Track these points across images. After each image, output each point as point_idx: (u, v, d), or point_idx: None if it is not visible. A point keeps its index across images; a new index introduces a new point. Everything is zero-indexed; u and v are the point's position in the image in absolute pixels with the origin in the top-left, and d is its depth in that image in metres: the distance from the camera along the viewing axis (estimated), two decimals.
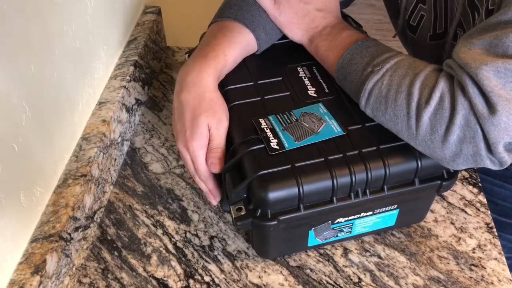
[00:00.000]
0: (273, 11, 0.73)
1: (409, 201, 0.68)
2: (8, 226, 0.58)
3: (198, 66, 0.67)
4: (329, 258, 0.71)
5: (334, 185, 0.61)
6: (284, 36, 0.76)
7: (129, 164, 0.83)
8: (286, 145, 0.63)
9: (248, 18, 0.72)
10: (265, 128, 0.65)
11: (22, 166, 0.60)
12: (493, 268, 0.70)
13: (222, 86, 0.70)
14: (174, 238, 0.73)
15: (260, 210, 0.61)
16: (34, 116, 0.61)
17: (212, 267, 0.70)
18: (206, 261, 0.70)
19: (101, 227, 0.75)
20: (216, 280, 0.68)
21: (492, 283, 0.68)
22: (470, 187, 0.79)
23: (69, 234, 0.65)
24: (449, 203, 0.77)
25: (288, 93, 0.71)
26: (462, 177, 0.80)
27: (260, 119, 0.66)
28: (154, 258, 0.71)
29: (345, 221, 0.67)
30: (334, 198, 0.62)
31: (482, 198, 0.78)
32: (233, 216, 0.61)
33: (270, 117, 0.66)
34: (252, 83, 0.72)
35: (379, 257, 0.71)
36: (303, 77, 0.73)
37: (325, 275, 0.69)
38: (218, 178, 0.68)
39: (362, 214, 0.67)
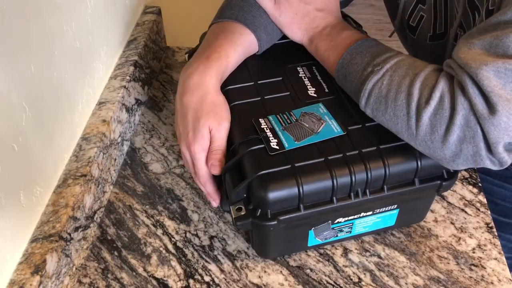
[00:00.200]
0: (273, 11, 0.73)
1: (409, 201, 0.68)
2: (8, 226, 0.58)
3: (201, 68, 0.67)
4: (329, 258, 0.71)
5: (334, 185, 0.61)
6: (284, 36, 0.76)
7: (129, 164, 0.83)
8: (286, 145, 0.63)
9: (249, 19, 0.72)
10: (265, 128, 0.65)
11: (22, 166, 0.60)
12: (493, 268, 0.70)
13: (222, 86, 0.70)
14: (174, 238, 0.73)
15: (260, 210, 0.61)
16: (34, 116, 0.61)
17: (212, 267, 0.70)
18: (206, 261, 0.70)
19: (101, 227, 0.75)
20: (216, 280, 0.68)
21: (492, 283, 0.68)
22: (470, 187, 0.79)
23: (69, 234, 0.65)
24: (449, 203, 0.77)
25: (288, 93, 0.71)
26: (462, 177, 0.80)
27: (260, 119, 0.66)
28: (154, 258, 0.71)
29: (345, 221, 0.67)
30: (334, 198, 0.62)
31: (482, 198, 0.78)
32: (233, 216, 0.62)
33: (270, 117, 0.66)
34: (252, 83, 0.72)
35: (379, 257, 0.71)
36: (303, 77, 0.73)
37: (325, 275, 0.69)
38: (218, 179, 0.68)
39: (362, 214, 0.67)
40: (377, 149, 0.63)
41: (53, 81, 0.66)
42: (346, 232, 0.69)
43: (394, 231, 0.74)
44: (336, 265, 0.70)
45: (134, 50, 0.89)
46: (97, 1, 0.77)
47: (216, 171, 0.64)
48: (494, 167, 0.58)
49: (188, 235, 0.74)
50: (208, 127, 0.65)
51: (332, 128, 0.65)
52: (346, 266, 0.70)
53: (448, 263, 0.70)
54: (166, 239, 0.73)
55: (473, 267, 0.70)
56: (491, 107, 0.52)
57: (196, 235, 0.74)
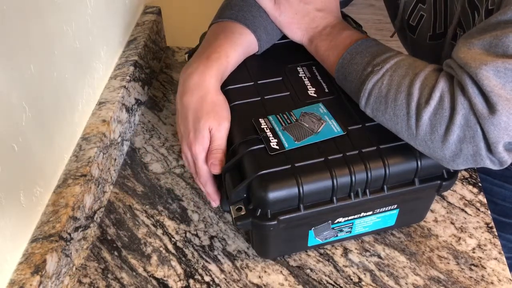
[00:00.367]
0: (273, 11, 0.73)
1: (409, 201, 0.68)
2: (8, 226, 0.58)
3: (201, 68, 0.67)
4: (329, 258, 0.71)
5: (334, 185, 0.61)
6: (284, 36, 0.76)
7: (129, 164, 0.83)
8: (286, 145, 0.63)
9: (249, 18, 0.72)
10: (265, 128, 0.65)
11: (22, 166, 0.60)
12: (493, 268, 0.70)
13: (222, 86, 0.70)
14: (174, 238, 0.73)
15: (260, 210, 0.61)
16: (34, 116, 0.61)
17: (212, 267, 0.70)
18: (206, 261, 0.70)
19: (101, 227, 0.75)
20: (216, 280, 0.68)
21: (492, 283, 0.68)
22: (470, 187, 0.79)
23: (69, 234, 0.65)
24: (449, 203, 0.77)
25: (288, 93, 0.71)
26: (462, 177, 0.80)
27: (260, 119, 0.66)
28: (154, 258, 0.71)
29: (345, 221, 0.67)
30: (334, 198, 0.62)
31: (482, 198, 0.78)
32: (233, 216, 0.62)
33: (270, 117, 0.66)
34: (252, 83, 0.72)
35: (379, 257, 0.71)
36: (303, 77, 0.73)
37: (325, 275, 0.69)
38: (218, 180, 0.68)
39: (362, 214, 0.67)
40: (377, 149, 0.63)
41: (53, 81, 0.66)
42: (346, 232, 0.69)
43: (394, 231, 0.74)
44: (336, 265, 0.70)
45: (134, 50, 0.89)
46: (97, 1, 0.77)
47: (217, 170, 0.65)
48: (494, 167, 0.58)
49: (188, 235, 0.74)
50: (208, 127, 0.65)
51: (332, 128, 0.65)
52: (346, 266, 0.70)
53: (448, 263, 0.70)
54: (166, 239, 0.73)
55: (473, 267, 0.70)
56: (491, 107, 0.52)
57: (196, 235, 0.74)
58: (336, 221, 0.66)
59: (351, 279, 0.68)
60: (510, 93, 0.53)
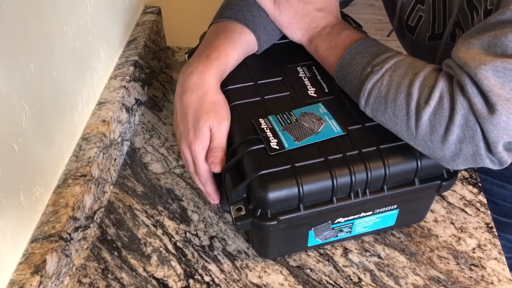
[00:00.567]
0: (273, 11, 0.73)
1: (409, 201, 0.68)
2: (8, 226, 0.58)
3: (201, 68, 0.67)
4: (329, 258, 0.71)
5: (334, 185, 0.61)
6: (284, 36, 0.76)
7: (129, 164, 0.83)
8: (286, 145, 0.63)
9: (248, 18, 0.72)
10: (265, 128, 0.65)
11: (22, 166, 0.60)
12: (493, 268, 0.70)
13: (222, 86, 0.70)
14: (174, 238, 0.73)
15: (260, 210, 0.61)
16: (34, 116, 0.61)
17: (212, 267, 0.70)
18: (206, 261, 0.70)
19: (101, 227, 0.75)
20: (216, 280, 0.68)
21: (492, 283, 0.68)
22: (470, 187, 0.79)
23: (69, 234, 0.65)
24: (449, 203, 0.77)
25: (288, 93, 0.71)
26: (462, 177, 0.80)
27: (260, 119, 0.66)
28: (154, 258, 0.71)
29: (345, 221, 0.67)
30: (334, 198, 0.62)
31: (482, 198, 0.78)
32: (233, 216, 0.62)
33: (270, 117, 0.66)
34: (252, 83, 0.72)
35: (379, 257, 0.71)
36: (303, 77, 0.73)
37: (325, 275, 0.69)
38: (218, 179, 0.68)
39: (362, 214, 0.67)
40: (377, 149, 0.63)
41: (53, 81, 0.66)
42: (346, 232, 0.69)
43: (394, 231, 0.74)
44: (336, 265, 0.70)
45: (134, 50, 0.89)
46: (97, 1, 0.77)
47: (217, 168, 0.64)
48: (494, 167, 0.58)
49: (188, 235, 0.74)
50: (208, 126, 0.65)
51: (332, 128, 0.65)
52: (346, 266, 0.70)
53: (448, 263, 0.70)
54: (166, 239, 0.73)
55: (473, 267, 0.70)
56: (490, 107, 0.52)
57: (196, 235, 0.74)
58: (336, 221, 0.66)
59: (351, 279, 0.68)
60: (510, 92, 0.53)
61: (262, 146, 0.63)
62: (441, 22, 0.77)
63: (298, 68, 0.74)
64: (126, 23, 0.91)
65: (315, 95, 0.70)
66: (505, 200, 0.89)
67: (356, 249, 0.72)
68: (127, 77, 0.84)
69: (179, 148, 0.69)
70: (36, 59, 0.61)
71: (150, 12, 0.99)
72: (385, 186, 0.64)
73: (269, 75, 0.73)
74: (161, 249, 0.72)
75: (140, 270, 0.70)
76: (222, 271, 0.69)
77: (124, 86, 0.83)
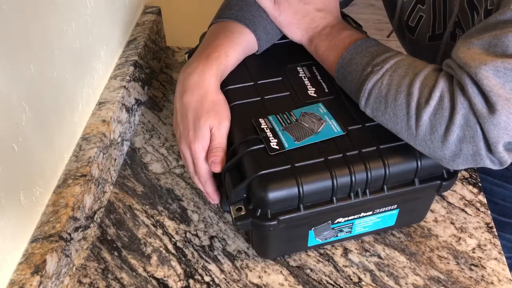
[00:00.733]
0: (273, 11, 0.73)
1: (409, 201, 0.68)
2: (8, 226, 0.58)
3: (201, 67, 0.67)
4: (329, 258, 0.71)
5: (334, 185, 0.61)
6: (284, 36, 0.76)
7: (129, 164, 0.83)
8: (286, 145, 0.63)
9: (248, 18, 0.72)
10: (265, 128, 0.65)
11: (22, 166, 0.60)
12: (493, 268, 0.70)
13: (222, 86, 0.70)
14: (174, 238, 0.73)
15: (260, 210, 0.61)
16: (34, 116, 0.61)
17: (212, 267, 0.70)
18: (206, 261, 0.70)
19: (101, 227, 0.75)
20: (216, 280, 0.68)
21: (492, 283, 0.68)
22: (470, 187, 0.79)
23: (69, 234, 0.65)
24: (449, 203, 0.77)
25: (288, 93, 0.71)
26: (462, 177, 0.80)
27: (260, 119, 0.66)
28: (154, 258, 0.71)
29: (345, 221, 0.67)
30: (334, 198, 0.62)
31: (482, 198, 0.78)
32: (233, 216, 0.62)
33: (270, 117, 0.66)
34: (252, 83, 0.72)
35: (379, 257, 0.71)
36: (303, 77, 0.73)
37: (325, 275, 0.69)
38: (218, 179, 0.68)
39: (362, 214, 0.67)
40: (377, 149, 0.63)
41: (53, 81, 0.66)
42: (346, 232, 0.69)
43: (394, 231, 0.74)
44: (336, 265, 0.70)
45: (134, 50, 0.89)
46: (97, 1, 0.77)
47: (217, 168, 0.64)
48: (494, 167, 0.58)
49: (188, 235, 0.74)
50: (208, 126, 0.65)
51: (332, 128, 0.65)
52: (346, 266, 0.70)
53: (448, 263, 0.70)
54: (166, 239, 0.73)
55: (473, 267, 0.70)
56: (491, 107, 0.52)
57: (196, 235, 0.74)
58: (336, 221, 0.66)
59: (351, 279, 0.68)
60: (510, 92, 0.53)
61: (262, 146, 0.63)
62: (441, 22, 0.77)
63: (298, 68, 0.74)
64: (126, 23, 0.91)
65: (315, 95, 0.70)
66: (505, 200, 0.89)
67: (356, 249, 0.72)
68: (127, 77, 0.84)
69: (179, 148, 0.69)
70: (36, 59, 0.61)
71: (150, 12, 0.99)
72: (385, 186, 0.64)
73: (269, 75, 0.73)
74: (161, 249, 0.72)
75: (140, 270, 0.70)
76: (222, 271, 0.69)
77: (124, 86, 0.83)
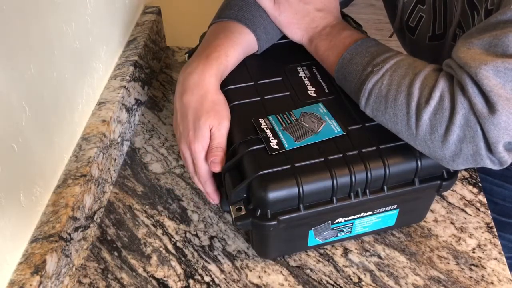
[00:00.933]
0: (273, 11, 0.73)
1: (409, 201, 0.68)
2: (8, 226, 0.58)
3: (201, 67, 0.67)
4: (329, 258, 0.71)
5: (334, 185, 0.61)
6: (284, 36, 0.76)
7: (129, 164, 0.83)
8: (286, 145, 0.63)
9: (248, 18, 0.72)
10: (265, 128, 0.65)
11: (22, 166, 0.60)
12: (493, 268, 0.70)
13: (222, 86, 0.70)
14: (174, 238, 0.73)
15: (260, 210, 0.61)
16: (34, 116, 0.61)
17: (212, 267, 0.70)
18: (206, 261, 0.70)
19: (101, 227, 0.75)
20: (216, 280, 0.68)
21: (492, 283, 0.68)
22: (470, 187, 0.79)
23: (69, 234, 0.65)
24: (449, 203, 0.77)
25: (288, 93, 0.71)
26: (462, 177, 0.80)
27: (260, 119, 0.66)
28: (154, 258, 0.71)
29: (345, 221, 0.67)
30: (334, 198, 0.62)
31: (482, 198, 0.78)
32: (233, 216, 0.61)
33: (270, 117, 0.66)
34: (252, 83, 0.72)
35: (379, 257, 0.71)
36: (303, 77, 0.73)
37: (325, 275, 0.69)
38: (218, 179, 0.68)
39: (362, 214, 0.67)
40: (377, 149, 0.63)
41: (53, 81, 0.66)
42: (346, 232, 0.69)
43: (394, 231, 0.74)
44: (336, 265, 0.70)
45: (134, 50, 0.89)
46: (97, 1, 0.77)
47: (217, 168, 0.64)
48: (494, 167, 0.58)
49: (188, 235, 0.74)
50: (208, 126, 0.65)
51: (332, 128, 0.65)
52: (346, 266, 0.70)
53: (448, 263, 0.70)
54: (166, 239, 0.73)
55: (473, 267, 0.70)
56: (491, 107, 0.52)
57: (196, 235, 0.73)
58: (336, 221, 0.66)
59: (351, 279, 0.68)
60: (510, 92, 0.53)
61: (262, 146, 0.63)
62: (441, 23, 0.77)
63: (298, 68, 0.74)
64: (126, 23, 0.91)
65: (315, 95, 0.70)
66: (505, 200, 0.89)
67: (356, 249, 0.72)
68: (127, 77, 0.84)
69: (179, 148, 0.69)
70: (36, 59, 0.61)
71: (150, 12, 0.99)
72: (385, 186, 0.64)
73: (269, 75, 0.73)
74: (161, 249, 0.72)
75: (140, 270, 0.70)
76: (222, 271, 0.69)
77: (124, 86, 0.83)
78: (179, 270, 0.70)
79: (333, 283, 0.68)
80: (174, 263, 0.70)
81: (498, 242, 0.72)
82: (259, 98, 0.70)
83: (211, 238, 0.73)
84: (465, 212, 0.76)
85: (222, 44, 0.69)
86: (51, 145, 0.67)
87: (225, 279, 0.69)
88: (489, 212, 0.76)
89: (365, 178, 0.62)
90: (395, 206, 0.68)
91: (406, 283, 0.68)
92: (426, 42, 0.81)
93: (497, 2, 0.59)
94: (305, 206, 0.62)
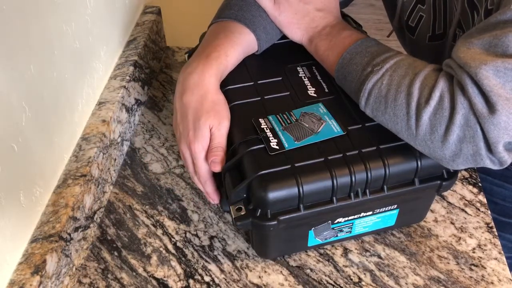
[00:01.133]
0: (272, 11, 0.73)
1: (409, 201, 0.68)
2: (8, 226, 0.58)
3: (201, 67, 0.67)
4: (329, 258, 0.71)
5: (334, 185, 0.61)
6: (284, 36, 0.76)
7: (129, 164, 0.83)
8: (286, 145, 0.63)
9: (248, 18, 0.72)
10: (265, 128, 0.65)
11: (22, 166, 0.60)
12: (493, 268, 0.70)
13: (222, 86, 0.70)
14: (174, 238, 0.73)
15: (260, 210, 0.61)
16: (34, 116, 0.61)
17: (212, 267, 0.70)
18: (206, 261, 0.70)
19: (101, 227, 0.75)
20: (216, 280, 0.68)
21: (492, 283, 0.68)
22: (470, 187, 0.79)
23: (69, 234, 0.65)
24: (449, 203, 0.77)
25: (288, 93, 0.71)
26: (462, 177, 0.80)
27: (260, 119, 0.66)
28: (154, 258, 0.71)
29: (345, 221, 0.67)
30: (334, 198, 0.62)
31: (482, 198, 0.78)
32: (233, 216, 0.61)
33: (270, 117, 0.66)
34: (252, 83, 0.72)
35: (379, 257, 0.71)
36: (303, 77, 0.73)
37: (325, 275, 0.69)
38: (218, 179, 0.68)
39: (362, 214, 0.67)
40: (377, 149, 0.63)
41: (53, 81, 0.66)
42: (346, 232, 0.69)
43: (394, 231, 0.74)
44: (336, 265, 0.70)
45: (134, 50, 0.89)
46: (97, 1, 0.77)
47: (217, 168, 0.64)
48: (494, 167, 0.58)
49: (188, 235, 0.74)
50: (208, 126, 0.65)
51: (332, 128, 0.65)
52: (346, 266, 0.70)
53: (448, 263, 0.70)
54: (166, 239, 0.73)
55: (473, 267, 0.70)
56: (491, 107, 0.52)
57: (196, 235, 0.73)
58: (336, 221, 0.66)
59: (351, 279, 0.68)
60: (510, 92, 0.53)
61: (262, 146, 0.63)
62: (441, 23, 0.77)
63: (298, 68, 0.74)
64: (126, 23, 0.91)
65: (315, 95, 0.70)
66: (505, 200, 0.89)
67: (356, 249, 0.72)
68: (127, 77, 0.84)
69: (179, 148, 0.69)
70: (36, 59, 0.61)
71: (150, 12, 0.99)
72: (385, 186, 0.64)
73: (269, 75, 0.73)
74: (161, 249, 0.72)
75: (140, 270, 0.70)
76: (222, 271, 0.69)
77: (124, 86, 0.83)
78: (179, 270, 0.70)
79: (333, 283, 0.68)
80: (174, 263, 0.70)
81: (498, 242, 0.72)
82: (259, 98, 0.70)
83: (211, 238, 0.73)
84: (465, 212, 0.76)
85: (222, 44, 0.69)
86: (51, 145, 0.67)
87: (225, 279, 0.69)
88: (489, 212, 0.76)
89: (365, 178, 0.62)
90: (395, 206, 0.68)
91: (406, 283, 0.68)
92: (426, 42, 0.81)
93: (497, 2, 0.59)
94: (305, 206, 0.62)
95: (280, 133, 0.64)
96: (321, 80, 0.72)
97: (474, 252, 0.71)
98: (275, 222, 0.61)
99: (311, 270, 0.69)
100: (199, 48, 0.71)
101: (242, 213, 0.62)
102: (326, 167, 0.61)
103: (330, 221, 0.66)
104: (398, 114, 0.59)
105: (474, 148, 0.55)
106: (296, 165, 0.61)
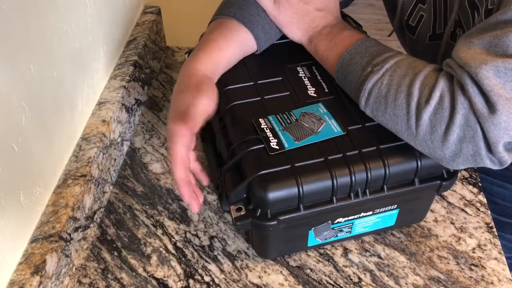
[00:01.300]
0: (272, 11, 0.73)
1: (409, 201, 0.68)
2: (8, 226, 0.58)
3: (191, 58, 0.68)
4: (329, 258, 0.71)
5: (334, 185, 0.61)
6: (284, 36, 0.76)
7: (129, 164, 0.83)
8: (286, 145, 0.63)
9: (246, 17, 0.72)
10: (265, 128, 0.65)
11: (22, 166, 0.60)
12: (493, 268, 0.70)
13: (222, 86, 0.70)
14: (174, 238, 0.73)
15: (260, 210, 0.61)
16: (34, 116, 0.61)
17: (212, 267, 0.70)
18: (206, 261, 0.70)
19: (101, 227, 0.75)
20: (216, 280, 0.68)
21: (492, 283, 0.68)
22: (470, 187, 0.79)
23: (69, 234, 0.65)
24: (449, 203, 0.77)
25: (288, 93, 0.70)
26: (462, 177, 0.80)
27: (260, 119, 0.66)
28: (154, 258, 0.71)
29: (345, 221, 0.67)
30: (334, 198, 0.62)
31: (482, 198, 0.78)
32: (233, 216, 0.61)
33: (270, 117, 0.66)
34: (252, 83, 0.72)
35: (379, 257, 0.71)
36: (302, 77, 0.73)
37: (325, 275, 0.69)
38: (218, 178, 0.68)
39: (362, 214, 0.67)
40: (377, 149, 0.63)
41: (53, 81, 0.66)
42: (346, 232, 0.69)
43: (394, 231, 0.74)
44: (336, 265, 0.70)
45: (134, 50, 0.89)
46: (97, 1, 0.77)
47: (196, 209, 0.62)
48: (494, 167, 0.58)
49: (188, 235, 0.74)
50: (185, 104, 0.62)
51: (332, 128, 0.65)
52: (346, 266, 0.70)
53: (448, 263, 0.70)
54: (166, 239, 0.73)
55: (473, 267, 0.70)
56: (491, 107, 0.52)
57: (196, 235, 0.73)
58: (336, 221, 0.66)
59: (351, 279, 0.68)
60: (510, 92, 0.53)
61: (262, 146, 0.63)
62: (442, 22, 0.77)
63: (298, 68, 0.74)
64: (126, 23, 0.91)
65: (315, 95, 0.70)
66: (505, 200, 0.89)
67: (356, 249, 0.72)
68: (127, 77, 0.84)
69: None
70: (36, 59, 0.61)
71: (150, 12, 0.99)
72: (385, 186, 0.64)
73: (269, 75, 0.73)
74: (161, 249, 0.72)
75: (140, 270, 0.70)
76: (222, 271, 0.69)
77: (124, 86, 0.83)
78: (179, 270, 0.70)
79: (333, 283, 0.68)
80: (174, 263, 0.70)
81: (498, 242, 0.72)
82: (259, 98, 0.70)
83: (211, 238, 0.73)
84: (465, 212, 0.76)
85: (216, 39, 0.69)
86: (51, 145, 0.67)
87: (225, 279, 0.69)
88: (489, 212, 0.76)
89: (365, 178, 0.62)
90: (395, 206, 0.68)
91: (406, 283, 0.68)
92: (426, 41, 0.81)
93: (497, 2, 0.59)
94: (305, 206, 0.62)
95: (280, 133, 0.64)
96: (321, 80, 0.72)
97: (474, 252, 0.71)
98: (275, 222, 0.61)
99: (311, 270, 0.69)
100: (196, 45, 0.72)
101: (242, 213, 0.62)
102: (326, 167, 0.61)
103: (330, 221, 0.66)
104: (398, 114, 0.59)
105: (474, 148, 0.55)
106: (296, 165, 0.61)
